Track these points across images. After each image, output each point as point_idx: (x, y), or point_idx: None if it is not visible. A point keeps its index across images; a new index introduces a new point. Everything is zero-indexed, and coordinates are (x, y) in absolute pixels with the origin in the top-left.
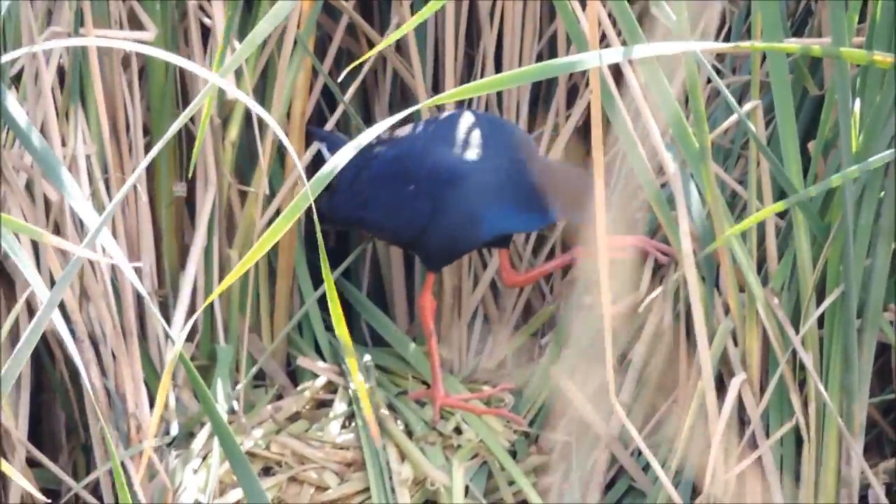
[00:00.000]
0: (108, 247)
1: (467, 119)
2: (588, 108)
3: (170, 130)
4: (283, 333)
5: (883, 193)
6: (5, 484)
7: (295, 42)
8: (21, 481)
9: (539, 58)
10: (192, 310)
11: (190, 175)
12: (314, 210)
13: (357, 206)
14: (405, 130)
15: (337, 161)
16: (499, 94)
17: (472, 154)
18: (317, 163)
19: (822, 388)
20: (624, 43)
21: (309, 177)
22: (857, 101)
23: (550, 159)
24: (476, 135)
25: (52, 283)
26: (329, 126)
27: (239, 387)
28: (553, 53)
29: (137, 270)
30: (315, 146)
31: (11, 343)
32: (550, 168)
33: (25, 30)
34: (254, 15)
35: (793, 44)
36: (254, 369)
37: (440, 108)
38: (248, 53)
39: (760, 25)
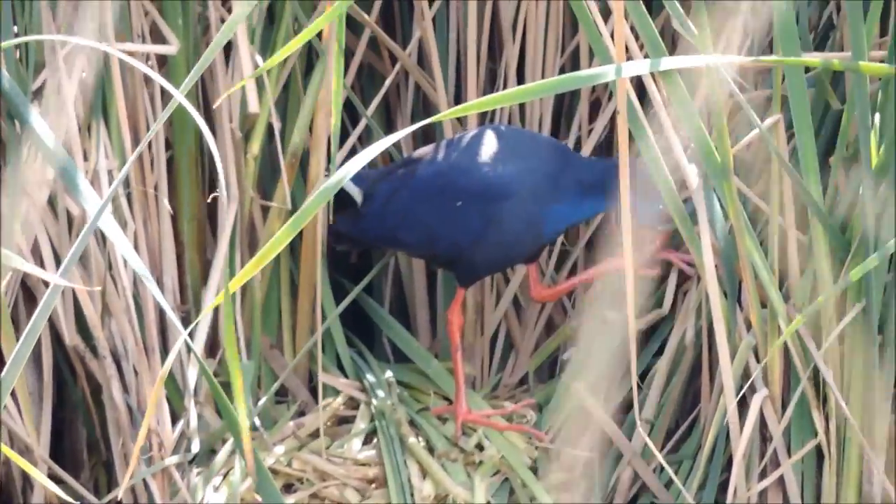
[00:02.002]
0: (130, 261)
1: (498, 132)
2: (610, 121)
3: None
4: (305, 349)
5: None
6: (26, 501)
7: (317, 56)
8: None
9: (562, 71)
10: (214, 326)
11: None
12: (332, 232)
13: (391, 226)
14: (436, 149)
15: (350, 168)
16: (521, 108)
17: (516, 163)
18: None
19: (843, 404)
20: (646, 57)
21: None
22: (878, 116)
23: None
24: (511, 144)
25: (75, 298)
26: (352, 140)
27: (260, 403)
28: (575, 67)
29: (160, 285)
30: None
31: (35, 361)
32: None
33: (48, 44)
34: (276, 28)
35: (812, 58)
36: (275, 385)
37: (462, 124)
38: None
39: None
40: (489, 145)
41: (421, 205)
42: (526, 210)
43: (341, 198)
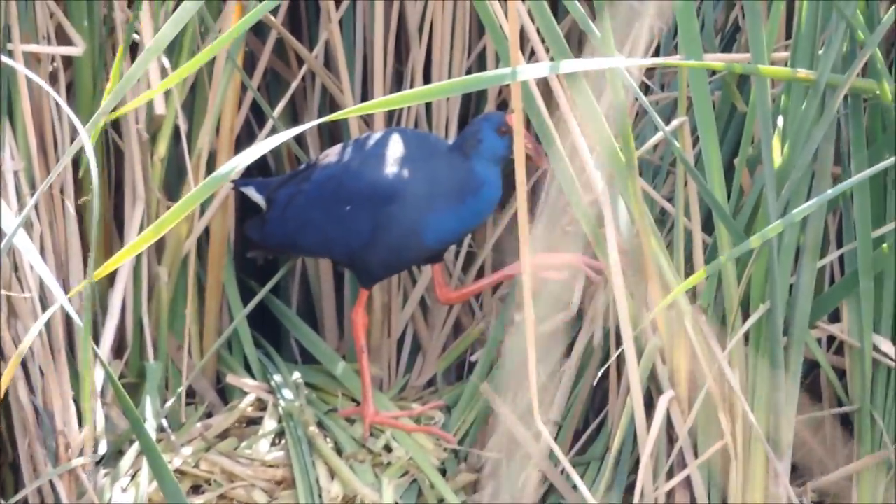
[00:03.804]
0: (34, 263)
1: (391, 135)
2: None
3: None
4: (213, 351)
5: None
6: None
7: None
8: None
9: (468, 73)
10: (121, 327)
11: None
12: (243, 239)
13: (291, 231)
14: (333, 153)
15: (241, 160)
16: (428, 110)
17: (404, 167)
18: (245, 203)
19: (746, 406)
20: (552, 59)
21: (238, 216)
22: (780, 118)
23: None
24: (402, 149)
25: None
26: (258, 141)
27: (168, 404)
28: (482, 69)
29: (66, 286)
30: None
31: None
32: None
33: None
34: (182, 29)
35: (715, 61)
36: (183, 387)
37: (368, 125)
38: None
39: None
40: (383, 149)
41: (315, 209)
42: (409, 216)
43: (250, 205)
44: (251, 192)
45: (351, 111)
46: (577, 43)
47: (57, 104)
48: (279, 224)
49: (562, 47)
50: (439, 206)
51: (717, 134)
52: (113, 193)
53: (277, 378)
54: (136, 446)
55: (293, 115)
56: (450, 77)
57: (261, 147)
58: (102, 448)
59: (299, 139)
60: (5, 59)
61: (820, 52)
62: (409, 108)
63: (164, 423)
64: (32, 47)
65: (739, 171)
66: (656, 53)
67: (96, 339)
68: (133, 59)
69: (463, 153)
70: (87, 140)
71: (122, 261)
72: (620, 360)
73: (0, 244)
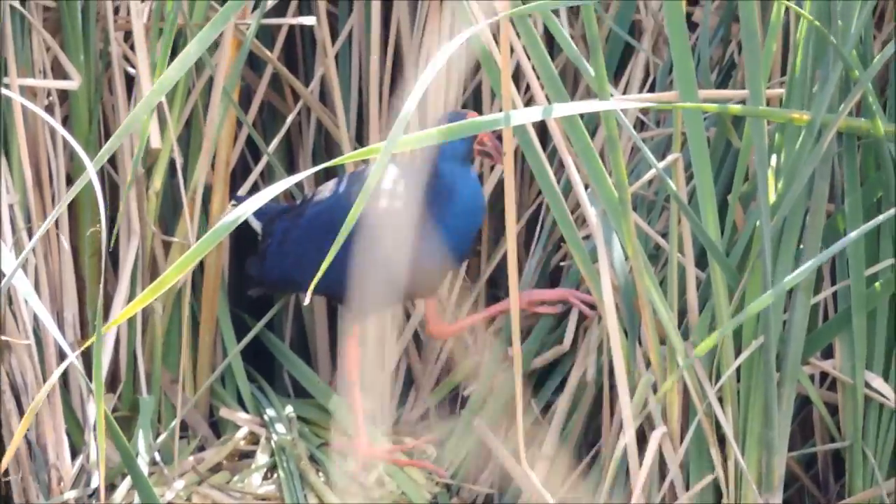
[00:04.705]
0: (28, 297)
1: (389, 168)
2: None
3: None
4: (206, 385)
5: (801, 245)
6: None
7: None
8: None
9: (463, 107)
10: (115, 361)
11: (115, 231)
12: (245, 277)
13: (288, 267)
14: (327, 187)
15: (251, 205)
16: None
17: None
18: (239, 233)
19: (734, 444)
20: (548, 97)
21: (233, 241)
22: (774, 156)
23: None
24: (394, 182)
25: None
26: (254, 176)
27: (161, 438)
28: (478, 104)
29: (60, 320)
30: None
31: None
32: None
33: None
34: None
35: (711, 101)
36: (176, 420)
37: (365, 161)
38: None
39: None
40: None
41: (310, 244)
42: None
43: (246, 235)
44: (250, 218)
45: (348, 157)
46: (573, 76)
47: (52, 137)
48: (276, 259)
49: (556, 85)
50: (429, 228)
51: (711, 171)
52: (108, 227)
53: (270, 412)
54: (128, 479)
55: (288, 150)
56: (445, 111)
57: (267, 192)
58: (94, 481)
59: (293, 171)
60: (2, 93)
61: (814, 89)
62: None
63: (157, 456)
64: (28, 81)
65: (732, 208)
66: (652, 88)
67: (89, 372)
68: (129, 92)
69: (431, 164)
70: (93, 175)
71: (151, 298)
72: (613, 394)
73: None
